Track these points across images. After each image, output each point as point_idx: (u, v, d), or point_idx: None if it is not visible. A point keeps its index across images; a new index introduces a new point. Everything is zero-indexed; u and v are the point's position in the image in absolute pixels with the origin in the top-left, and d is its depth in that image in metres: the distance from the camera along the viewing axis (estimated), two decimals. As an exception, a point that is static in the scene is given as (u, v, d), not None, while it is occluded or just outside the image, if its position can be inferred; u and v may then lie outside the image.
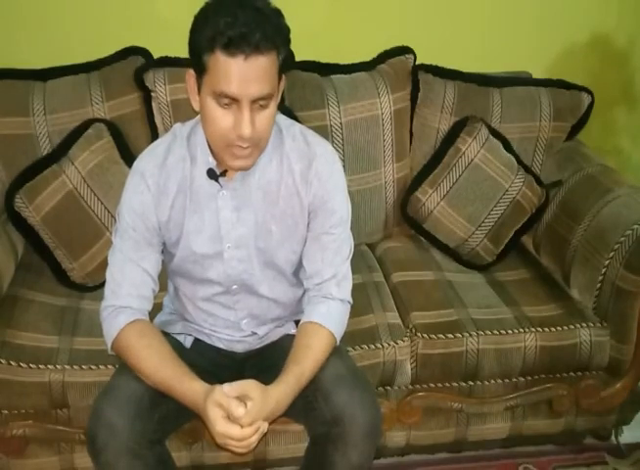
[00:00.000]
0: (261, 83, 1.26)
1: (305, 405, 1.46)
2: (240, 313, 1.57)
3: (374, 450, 1.47)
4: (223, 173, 1.44)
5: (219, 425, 1.30)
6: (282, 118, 1.50)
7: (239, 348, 1.60)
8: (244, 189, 1.45)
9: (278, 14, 1.29)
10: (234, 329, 1.58)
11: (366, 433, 1.40)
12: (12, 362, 1.64)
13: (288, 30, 1.31)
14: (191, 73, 1.33)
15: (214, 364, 1.57)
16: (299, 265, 1.57)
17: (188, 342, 1.59)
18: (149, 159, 1.48)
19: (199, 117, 1.41)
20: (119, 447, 1.34)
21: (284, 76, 1.36)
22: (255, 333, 1.60)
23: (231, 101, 1.27)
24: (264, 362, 1.58)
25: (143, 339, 1.43)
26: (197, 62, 1.28)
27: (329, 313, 1.50)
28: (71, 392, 1.65)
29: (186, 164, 1.45)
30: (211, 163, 1.43)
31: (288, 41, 1.32)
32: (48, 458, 1.76)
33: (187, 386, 1.37)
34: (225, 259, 1.49)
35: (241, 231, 1.47)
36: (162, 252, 1.54)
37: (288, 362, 1.42)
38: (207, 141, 1.41)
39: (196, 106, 1.36)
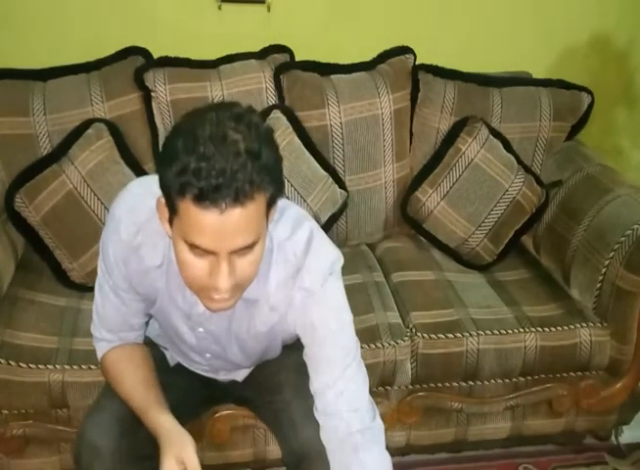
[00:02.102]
0: (243, 235, 1.05)
1: (279, 430, 1.45)
2: (215, 369, 1.53)
3: None
4: None
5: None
6: (280, 230, 1.24)
7: (222, 378, 1.57)
8: None
9: (268, 141, 1.05)
10: (212, 374, 1.55)
11: None
12: (12, 362, 1.64)
13: (279, 162, 1.08)
14: (162, 201, 1.10)
15: (200, 381, 1.55)
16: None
17: (172, 361, 1.56)
18: (130, 212, 1.27)
19: None
20: (104, 469, 1.32)
21: (275, 205, 1.12)
22: (235, 379, 1.56)
23: (206, 251, 1.06)
24: (247, 382, 1.55)
25: (119, 364, 1.39)
26: (166, 197, 1.07)
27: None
28: (71, 392, 1.65)
29: (166, 241, 1.24)
30: None
31: (278, 175, 1.07)
32: (48, 458, 1.76)
33: (150, 416, 1.31)
34: (198, 336, 1.39)
35: (213, 326, 1.35)
36: None
37: None
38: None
39: (168, 232, 1.14)
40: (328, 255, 1.28)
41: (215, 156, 0.99)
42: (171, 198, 1.05)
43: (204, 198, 1.00)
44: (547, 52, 2.43)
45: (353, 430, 1.28)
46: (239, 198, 1.00)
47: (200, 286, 1.12)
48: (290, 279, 1.25)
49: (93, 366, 1.66)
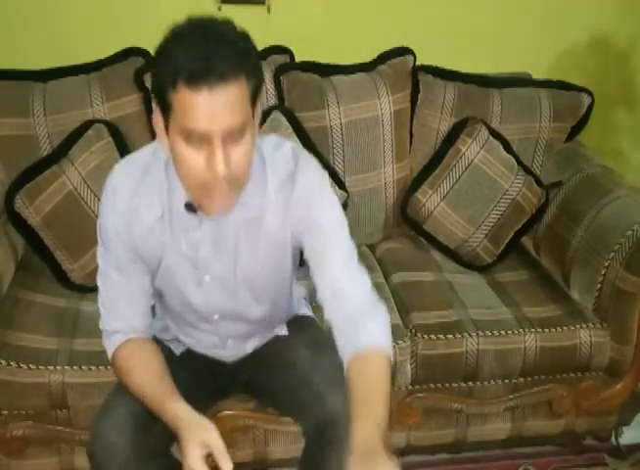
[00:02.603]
0: (232, 115, 1.14)
1: (300, 404, 1.46)
2: (223, 337, 1.53)
3: None
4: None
5: (193, 460, 1.24)
6: (266, 144, 1.37)
7: (229, 358, 1.58)
8: (223, 224, 1.35)
9: (244, 38, 1.19)
10: (220, 348, 1.55)
11: None
12: (12, 363, 1.64)
13: (256, 54, 1.22)
14: (157, 114, 1.21)
15: (206, 371, 1.56)
16: (292, 280, 1.52)
17: (178, 350, 1.56)
18: (123, 176, 1.35)
19: None
20: (119, 465, 1.32)
21: (259, 104, 1.23)
22: (243, 350, 1.57)
23: (201, 139, 1.15)
24: (257, 362, 1.57)
25: (130, 361, 1.40)
26: (161, 101, 1.17)
27: (372, 330, 1.34)
28: (71, 392, 1.66)
29: (163, 191, 1.33)
30: (186, 197, 1.31)
31: (257, 66, 1.20)
32: (48, 459, 1.76)
33: (167, 407, 1.31)
34: (204, 289, 1.41)
35: (220, 268, 1.38)
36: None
37: (355, 406, 1.27)
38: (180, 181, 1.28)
39: (166, 147, 1.24)
40: (316, 164, 1.41)
41: (200, 45, 1.13)
42: (165, 96, 1.15)
43: (194, 78, 1.11)
44: (547, 52, 2.44)
45: (357, 310, 1.34)
46: (224, 76, 1.12)
47: (199, 183, 1.19)
48: (287, 183, 1.33)
49: (93, 367, 1.66)
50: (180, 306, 1.46)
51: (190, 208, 1.31)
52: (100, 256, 1.42)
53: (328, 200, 1.39)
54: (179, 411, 1.30)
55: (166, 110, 1.17)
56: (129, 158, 1.40)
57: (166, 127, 1.19)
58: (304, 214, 1.35)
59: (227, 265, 1.38)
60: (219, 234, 1.35)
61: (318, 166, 1.41)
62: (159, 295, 1.49)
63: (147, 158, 1.34)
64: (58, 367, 1.65)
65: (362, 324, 1.32)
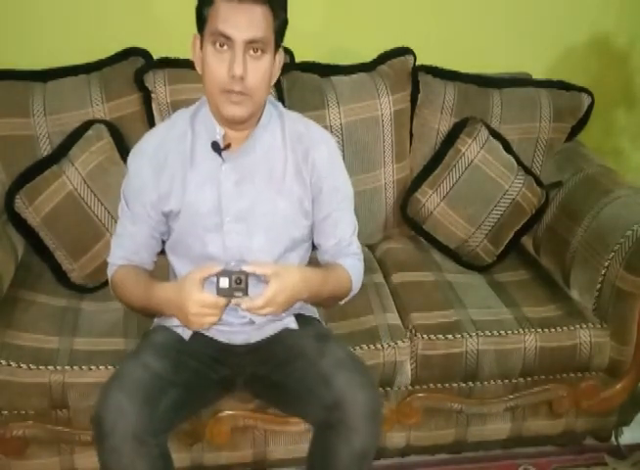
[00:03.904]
0: (254, 27, 1.37)
1: (306, 392, 1.48)
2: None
3: (376, 437, 1.46)
4: (226, 147, 1.49)
5: (195, 292, 1.39)
6: (281, 106, 1.61)
7: (238, 340, 1.60)
8: (246, 163, 1.51)
9: None
10: (231, 315, 1.56)
11: (367, 416, 1.41)
12: (12, 363, 1.64)
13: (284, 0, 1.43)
14: (196, 36, 1.44)
15: (213, 359, 1.58)
16: (304, 243, 1.62)
17: (186, 334, 1.58)
18: (148, 139, 1.58)
19: (202, 99, 1.53)
20: (126, 432, 1.35)
21: (281, 51, 1.46)
22: (253, 322, 1.58)
23: (226, 42, 1.37)
24: (264, 356, 1.58)
25: (122, 276, 1.57)
26: (200, 19, 1.41)
27: (354, 266, 1.62)
28: (71, 393, 1.65)
29: (187, 138, 1.52)
30: (218, 133, 1.49)
31: (283, 7, 1.42)
32: (48, 459, 1.76)
33: (156, 287, 1.48)
34: (224, 232, 1.52)
35: (241, 205, 1.52)
36: (163, 233, 1.60)
37: (319, 269, 1.58)
38: (207, 96, 1.47)
39: (199, 67, 1.46)
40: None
41: None
42: (203, 14, 1.39)
43: None
44: (547, 52, 2.44)
45: (346, 254, 1.64)
46: None
47: (221, 86, 1.40)
48: (305, 135, 1.55)
49: (93, 367, 1.66)
50: (199, 251, 1.53)
51: (216, 147, 1.49)
52: (120, 209, 1.60)
53: (340, 164, 1.61)
54: (165, 284, 1.51)
55: (203, 24, 1.40)
56: (153, 128, 1.65)
57: (201, 46, 1.42)
58: (322, 174, 1.55)
59: (247, 204, 1.52)
60: (241, 173, 1.51)
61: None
62: (178, 250, 1.58)
63: (168, 122, 1.59)
64: (58, 367, 1.65)
65: (344, 259, 1.61)
